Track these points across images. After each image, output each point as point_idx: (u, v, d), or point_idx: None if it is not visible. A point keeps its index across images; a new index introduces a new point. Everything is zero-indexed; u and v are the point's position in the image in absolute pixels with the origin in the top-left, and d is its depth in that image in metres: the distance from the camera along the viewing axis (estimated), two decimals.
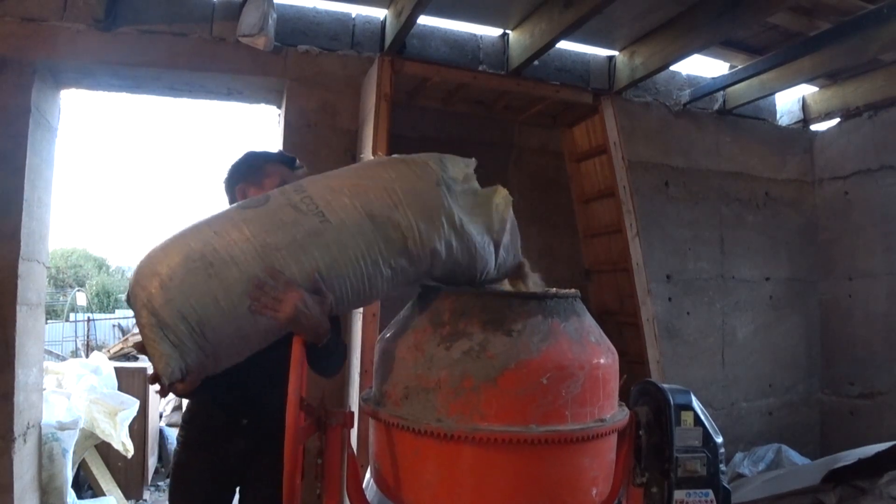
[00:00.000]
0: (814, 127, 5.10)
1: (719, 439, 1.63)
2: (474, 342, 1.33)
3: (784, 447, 4.45)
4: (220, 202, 2.00)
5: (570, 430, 1.30)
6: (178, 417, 7.14)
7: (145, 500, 4.63)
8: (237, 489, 2.01)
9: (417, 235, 1.39)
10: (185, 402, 7.24)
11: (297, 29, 3.60)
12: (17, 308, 3.04)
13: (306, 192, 1.41)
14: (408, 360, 1.39)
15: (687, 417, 1.60)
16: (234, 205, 1.50)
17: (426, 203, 1.40)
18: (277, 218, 1.36)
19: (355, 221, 1.37)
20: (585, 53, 4.23)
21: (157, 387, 1.38)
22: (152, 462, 5.00)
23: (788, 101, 5.11)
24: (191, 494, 1.93)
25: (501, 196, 1.52)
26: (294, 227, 1.35)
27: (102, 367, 4.58)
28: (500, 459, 1.28)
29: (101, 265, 20.73)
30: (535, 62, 3.78)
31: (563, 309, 1.41)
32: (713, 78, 4.48)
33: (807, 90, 5.01)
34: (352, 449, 1.51)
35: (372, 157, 1.50)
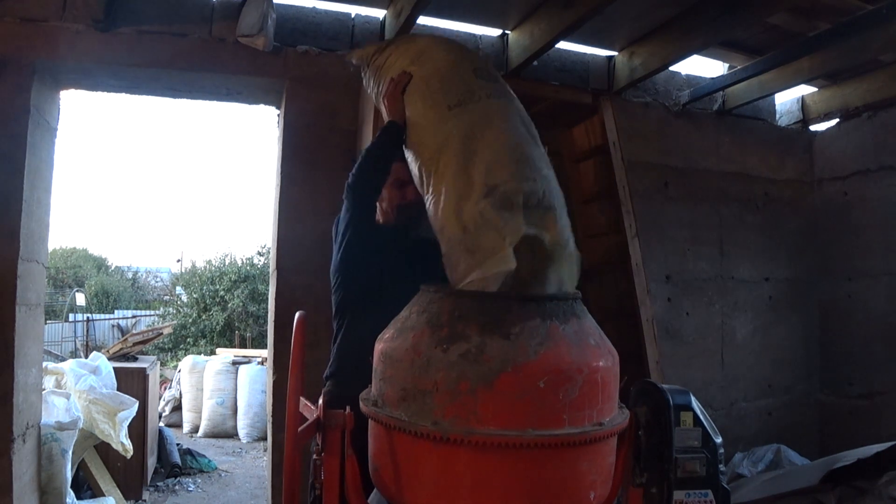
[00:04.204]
0: (813, 127, 5.09)
1: (718, 440, 1.63)
2: (472, 345, 1.32)
3: (783, 447, 4.44)
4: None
5: (567, 434, 1.29)
6: (177, 417, 7.07)
7: (144, 501, 4.63)
8: None
9: None
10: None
11: (297, 29, 3.60)
12: (17, 308, 3.03)
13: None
14: (405, 362, 1.39)
15: (686, 418, 1.60)
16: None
17: None
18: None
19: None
20: (585, 54, 4.22)
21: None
22: (151, 462, 4.99)
23: (788, 102, 5.09)
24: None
25: None
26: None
27: (102, 368, 4.57)
28: (497, 463, 1.28)
29: (100, 265, 20.67)
30: (535, 62, 3.77)
31: (563, 311, 1.41)
32: (712, 78, 4.47)
33: (806, 90, 4.99)
34: (351, 450, 1.50)
35: None
